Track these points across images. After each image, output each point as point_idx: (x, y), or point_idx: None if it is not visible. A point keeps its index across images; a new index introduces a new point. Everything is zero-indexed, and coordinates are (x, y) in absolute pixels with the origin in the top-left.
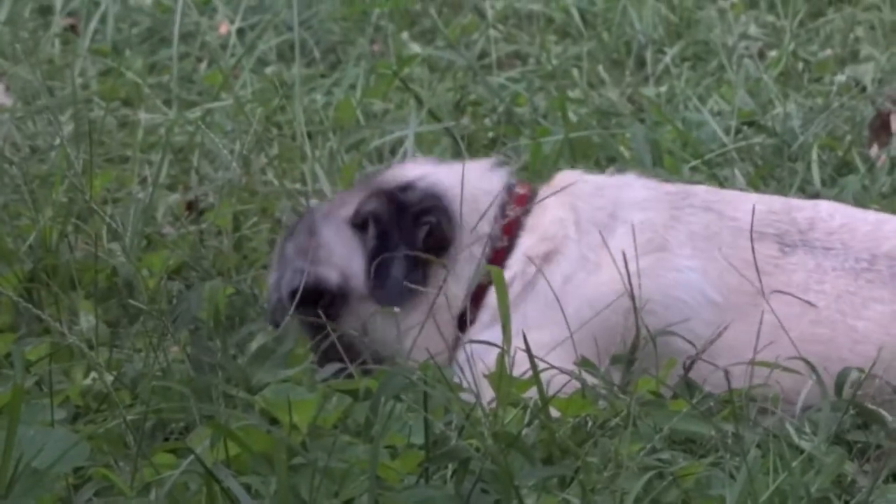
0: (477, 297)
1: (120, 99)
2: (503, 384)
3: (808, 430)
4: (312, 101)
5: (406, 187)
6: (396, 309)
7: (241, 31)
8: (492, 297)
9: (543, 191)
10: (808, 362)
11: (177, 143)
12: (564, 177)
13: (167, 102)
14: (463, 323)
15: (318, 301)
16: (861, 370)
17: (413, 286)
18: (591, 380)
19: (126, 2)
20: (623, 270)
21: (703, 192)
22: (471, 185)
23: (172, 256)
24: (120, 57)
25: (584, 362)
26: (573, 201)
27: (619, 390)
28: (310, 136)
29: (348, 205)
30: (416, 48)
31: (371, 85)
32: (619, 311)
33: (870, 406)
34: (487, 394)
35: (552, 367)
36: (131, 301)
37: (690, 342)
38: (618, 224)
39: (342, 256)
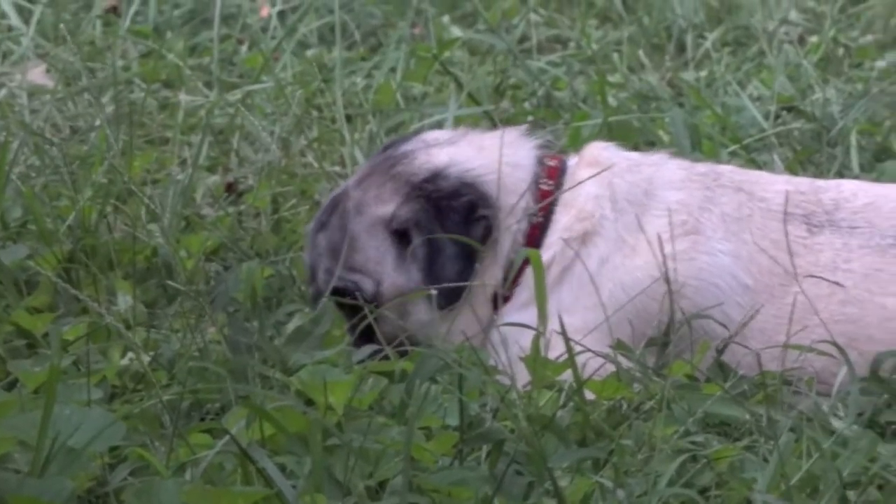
0: (514, 277)
1: (161, 81)
2: (538, 367)
3: (841, 412)
4: (352, 84)
5: (436, 177)
6: (433, 291)
7: (282, 14)
8: (528, 277)
9: (574, 163)
10: (837, 346)
11: (217, 125)
12: (594, 149)
13: (208, 84)
14: (496, 303)
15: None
16: (889, 351)
17: (469, 283)
18: (625, 363)
19: None
20: (659, 254)
21: (733, 172)
22: (503, 162)
23: (211, 238)
24: (161, 39)
25: (618, 345)
26: (609, 177)
27: (653, 373)
28: (349, 118)
29: (382, 202)
30: (456, 31)
31: (411, 68)
32: (653, 295)
33: None
34: (522, 376)
35: (587, 349)
36: (169, 282)
37: (724, 325)
38: (654, 204)
39: (376, 263)
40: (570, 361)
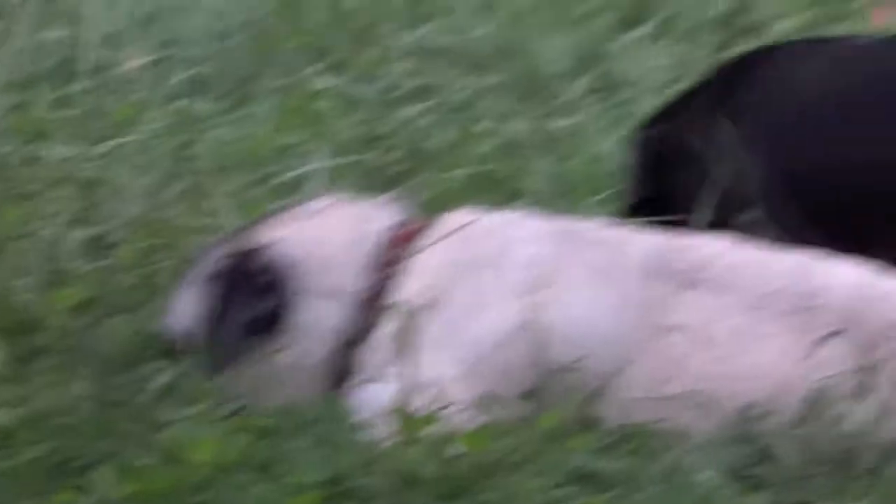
0: (367, 338)
1: (28, 133)
2: (403, 421)
3: (706, 465)
4: (221, 135)
5: (251, 253)
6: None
7: (151, 65)
8: (383, 339)
9: (434, 230)
10: (702, 397)
11: (84, 177)
12: (455, 216)
13: (75, 136)
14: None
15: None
16: (757, 405)
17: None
18: (492, 416)
19: (35, 35)
20: (515, 308)
21: (595, 228)
22: (342, 234)
23: (79, 292)
24: (28, 91)
25: (483, 398)
26: (462, 242)
27: (520, 426)
28: (218, 170)
29: (216, 257)
30: (324, 82)
31: (280, 119)
32: (514, 350)
33: (765, 440)
34: (389, 430)
35: (453, 403)
36: (38, 337)
37: (591, 378)
38: (509, 261)
39: (185, 313)
40: (436, 415)
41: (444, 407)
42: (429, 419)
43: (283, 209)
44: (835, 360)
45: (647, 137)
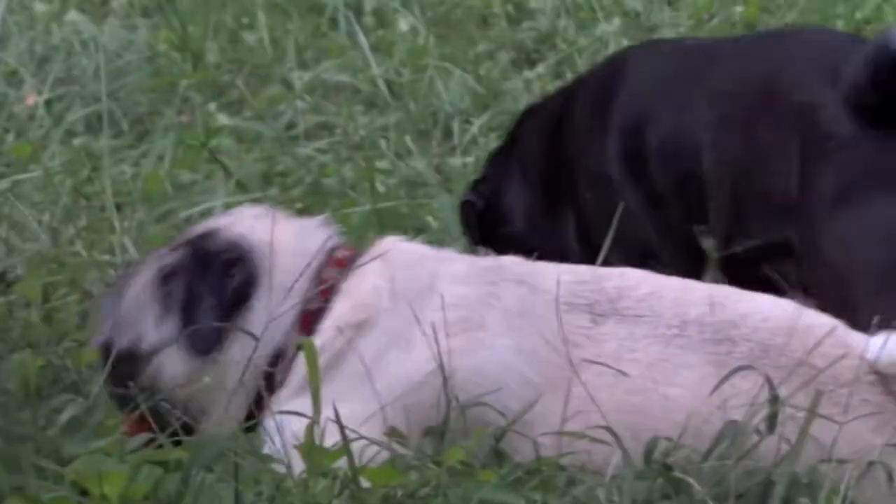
0: (287, 359)
1: None
2: (313, 454)
3: (616, 498)
4: (121, 172)
5: (209, 235)
6: (207, 379)
7: (48, 102)
8: (300, 363)
9: (363, 256)
10: (612, 431)
11: None
12: (386, 243)
13: None
14: (272, 386)
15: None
16: (669, 438)
17: (226, 331)
18: (401, 450)
19: None
20: (435, 349)
21: (515, 264)
22: (285, 241)
23: None
24: None
25: (393, 432)
26: (392, 270)
27: (429, 460)
28: (118, 207)
29: (160, 258)
30: (223, 119)
31: (179, 156)
32: (430, 388)
33: (678, 474)
34: (298, 464)
35: (362, 437)
36: None
37: (502, 414)
38: (434, 298)
39: (136, 319)
40: (346, 449)
41: (353, 441)
42: (338, 453)
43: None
44: (749, 393)
45: (468, 201)
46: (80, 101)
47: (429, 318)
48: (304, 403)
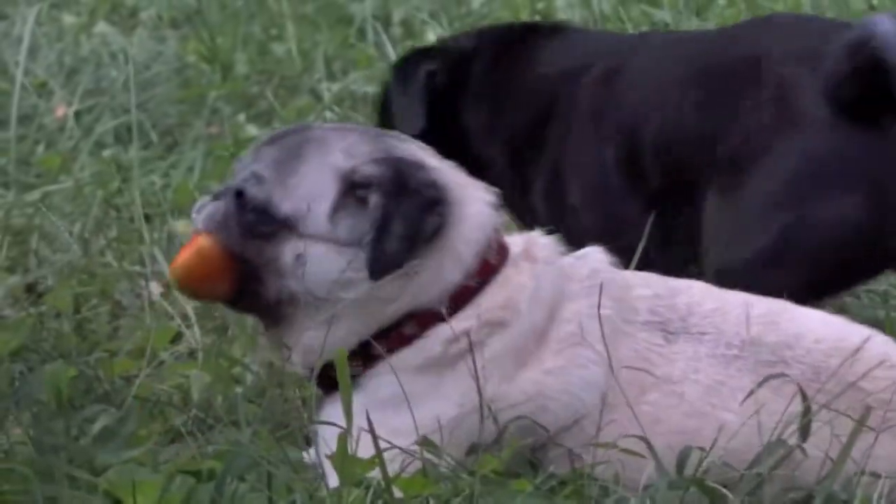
0: (425, 322)
1: None
2: (346, 464)
3: None
4: (150, 183)
5: (418, 165)
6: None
7: (78, 114)
8: (438, 337)
9: (516, 249)
10: (646, 441)
11: (15, 225)
12: (534, 238)
13: (5, 185)
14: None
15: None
16: (702, 448)
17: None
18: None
19: None
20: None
21: (609, 273)
22: (474, 203)
23: (12, 339)
24: None
25: (425, 441)
26: (537, 270)
27: (462, 469)
28: (148, 218)
29: (349, 155)
30: (252, 130)
31: (208, 167)
32: (516, 410)
33: (711, 484)
34: (332, 472)
35: (398, 447)
36: None
37: (545, 429)
38: (557, 310)
39: (310, 196)
40: (379, 459)
41: (387, 450)
42: (370, 463)
43: None
44: (794, 411)
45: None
46: (110, 113)
47: (550, 334)
48: (421, 383)
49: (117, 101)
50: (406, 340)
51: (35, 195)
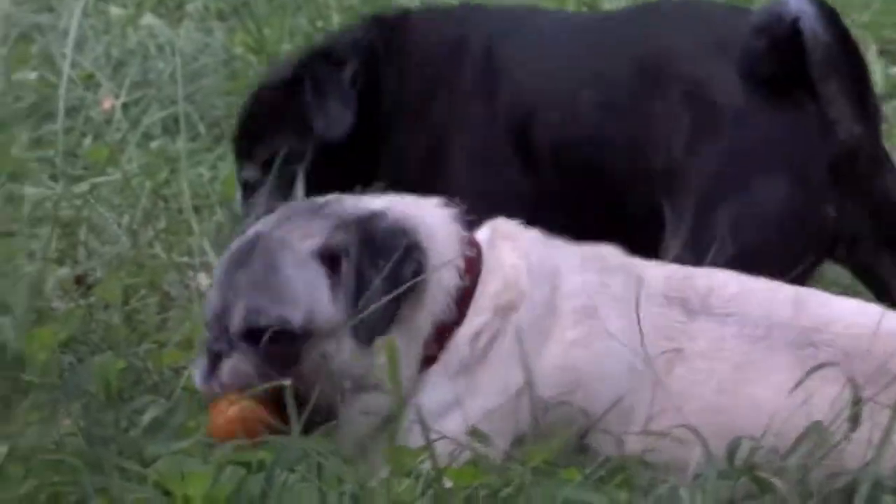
0: (442, 336)
1: (6, 173)
2: (396, 454)
3: (699, 498)
4: (198, 174)
5: (374, 216)
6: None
7: (125, 106)
8: (460, 342)
9: (486, 236)
10: (696, 432)
11: (64, 217)
12: (501, 224)
13: (53, 177)
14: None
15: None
16: (753, 438)
17: (392, 320)
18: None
19: (10, 77)
20: (562, 344)
21: (613, 255)
22: (433, 221)
23: (62, 330)
24: (5, 132)
25: (474, 431)
26: (523, 249)
27: (512, 459)
28: (196, 209)
29: (310, 237)
30: None
31: None
32: (553, 387)
33: (761, 474)
34: (382, 463)
35: (447, 436)
36: (22, 375)
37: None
38: (561, 284)
39: (308, 294)
40: (430, 448)
41: (437, 440)
42: (419, 452)
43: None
44: (833, 397)
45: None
46: (157, 105)
47: (559, 305)
48: (461, 390)
49: (164, 92)
50: (432, 358)
51: (83, 187)
